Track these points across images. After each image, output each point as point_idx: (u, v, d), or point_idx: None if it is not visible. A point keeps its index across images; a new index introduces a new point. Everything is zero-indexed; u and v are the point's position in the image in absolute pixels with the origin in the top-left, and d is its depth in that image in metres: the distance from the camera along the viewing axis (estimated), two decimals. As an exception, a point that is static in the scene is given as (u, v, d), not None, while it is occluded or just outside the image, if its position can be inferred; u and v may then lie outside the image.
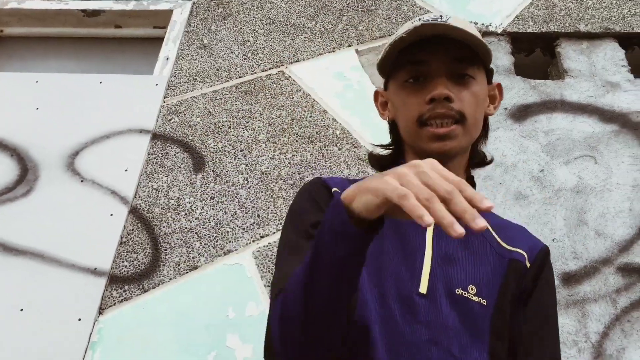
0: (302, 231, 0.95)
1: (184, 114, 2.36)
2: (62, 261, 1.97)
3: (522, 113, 2.30)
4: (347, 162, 2.17)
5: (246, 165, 2.18)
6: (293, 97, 2.38)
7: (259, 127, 2.29)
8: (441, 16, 0.98)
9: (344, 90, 2.40)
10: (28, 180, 2.18)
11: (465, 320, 0.92)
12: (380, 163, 1.14)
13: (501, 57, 2.48)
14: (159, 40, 2.72)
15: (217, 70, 2.50)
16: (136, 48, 2.83)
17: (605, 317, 1.81)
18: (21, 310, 1.87)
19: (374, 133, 2.24)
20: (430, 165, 0.67)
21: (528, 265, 1.00)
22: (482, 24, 2.57)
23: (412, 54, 0.99)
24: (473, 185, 1.08)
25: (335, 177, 1.10)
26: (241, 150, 2.23)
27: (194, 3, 2.78)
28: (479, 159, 1.13)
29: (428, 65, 0.98)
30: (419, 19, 0.99)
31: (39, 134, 2.30)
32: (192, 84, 2.46)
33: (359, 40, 2.57)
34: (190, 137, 2.28)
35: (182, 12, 2.73)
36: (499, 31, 2.55)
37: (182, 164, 2.21)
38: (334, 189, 1.03)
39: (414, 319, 0.90)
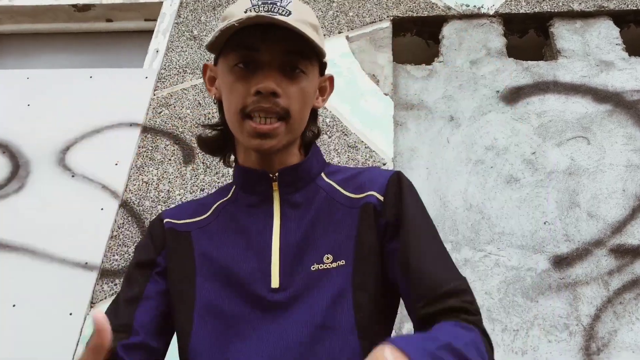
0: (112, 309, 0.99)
1: (174, 106, 2.35)
2: (53, 256, 1.98)
3: (514, 95, 2.27)
4: (337, 149, 2.16)
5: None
6: (283, 86, 2.36)
7: (248, 117, 2.28)
8: (281, 0, 0.94)
9: (334, 78, 2.37)
10: (20, 176, 2.19)
11: (328, 290, 0.91)
12: (208, 145, 1.09)
13: (493, 40, 2.44)
14: (150, 32, 2.71)
15: (207, 61, 2.48)
16: (127, 41, 2.82)
17: (597, 300, 1.80)
18: (14, 305, 1.88)
19: (364, 120, 2.23)
20: None
21: (382, 198, 0.98)
22: (474, 6, 2.54)
23: (245, 36, 0.93)
24: (302, 163, 1.03)
25: (182, 204, 1.09)
26: (231, 141, 2.22)
27: (183, -6, 2.76)
28: (309, 138, 1.08)
29: (260, 53, 0.93)
30: (258, 3, 0.93)
31: (31, 130, 2.31)
32: (182, 76, 2.45)
33: (349, 26, 2.54)
34: (181, 129, 2.28)
35: (172, 4, 2.71)
36: (491, 13, 2.52)
37: (172, 156, 2.21)
38: (165, 220, 1.03)
39: (268, 315, 0.90)
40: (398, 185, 1.00)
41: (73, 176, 2.16)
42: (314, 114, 1.07)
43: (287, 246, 0.95)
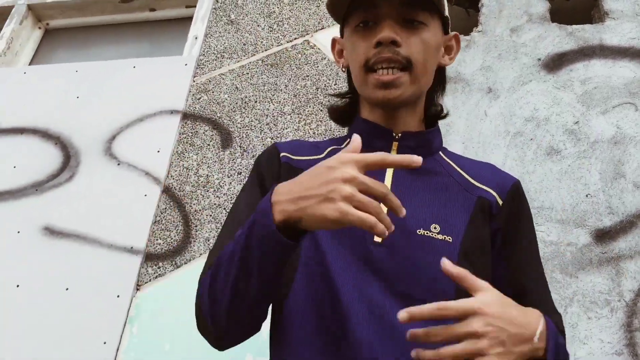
0: (241, 210, 0.98)
1: (213, 92, 2.40)
2: (102, 241, 2.08)
3: (556, 63, 2.17)
4: (371, 128, 2.14)
5: (272, 139, 2.20)
6: (318, 66, 2.36)
7: (284, 99, 2.30)
8: None
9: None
10: (71, 166, 2.30)
11: (430, 259, 0.90)
12: (336, 114, 1.12)
13: (535, 4, 2.34)
14: (191, 19, 2.76)
15: (244, 45, 2.51)
16: (170, 29, 2.88)
17: (642, 275, 1.72)
18: (67, 289, 2.00)
19: (399, 96, 2.20)
20: (353, 162, 0.74)
21: (500, 202, 0.99)
22: (515, -30, 2.43)
23: None
24: (427, 132, 1.04)
25: (294, 141, 1.10)
26: (267, 124, 2.25)
27: (221, -21, 2.79)
28: (434, 111, 1.09)
29: (377, 9, 0.96)
30: None
31: (80, 121, 2.42)
32: (220, 61, 2.49)
33: None
34: (219, 114, 2.32)
35: (210, -11, 2.75)
36: (534, -24, 2.40)
37: (210, 141, 2.26)
38: (282, 154, 1.04)
39: (370, 269, 0.90)
40: (519, 199, 1.02)
41: (119, 164, 2.25)
42: (440, 73, 1.08)
43: (397, 194, 0.95)
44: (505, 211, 0.98)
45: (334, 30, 2.45)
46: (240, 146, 2.21)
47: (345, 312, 0.87)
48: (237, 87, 2.39)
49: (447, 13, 1.04)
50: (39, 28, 3.02)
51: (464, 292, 0.89)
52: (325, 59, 2.37)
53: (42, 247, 2.11)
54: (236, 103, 2.34)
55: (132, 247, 2.04)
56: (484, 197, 0.98)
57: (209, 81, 2.44)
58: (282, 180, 0.98)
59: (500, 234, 0.97)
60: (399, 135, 1.01)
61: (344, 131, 2.12)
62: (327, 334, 0.88)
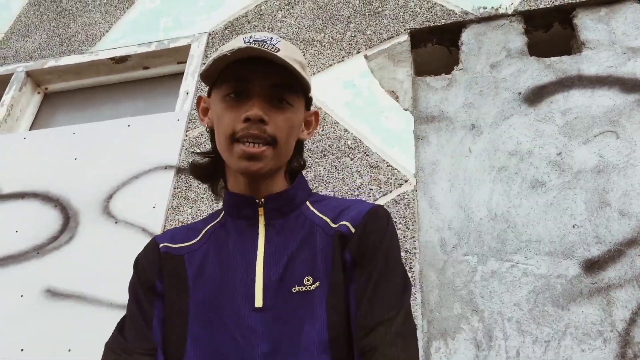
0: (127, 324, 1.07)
1: (205, 145, 2.46)
2: (102, 301, 2.12)
3: (536, 96, 2.21)
4: (359, 171, 2.19)
5: (263, 188, 2.25)
6: (305, 114, 2.42)
7: (273, 148, 2.35)
8: (272, 38, 1.02)
9: (354, 98, 2.41)
10: (70, 227, 2.36)
11: (307, 310, 0.98)
12: (198, 172, 1.17)
13: (513, 39, 2.39)
14: (182, 75, 2.85)
15: (233, 97, 2.58)
16: (162, 86, 2.97)
17: (632, 303, 1.72)
18: (69, 350, 2.04)
19: (385, 138, 2.25)
20: None
21: (353, 230, 1.04)
22: (492, 7, 2.49)
23: (236, 69, 1.02)
24: (288, 191, 1.11)
25: (171, 230, 1.16)
26: (258, 174, 2.29)
27: (209, 34, 2.88)
28: (295, 168, 1.17)
29: (250, 84, 1.02)
30: (250, 37, 1.02)
31: (78, 182, 2.49)
32: (211, 115, 2.56)
33: (367, 45, 2.57)
34: (211, 167, 2.38)
35: (199, 45, 2.84)
36: (510, 12, 2.47)
37: (204, 194, 2.31)
38: (161, 245, 1.10)
39: (254, 334, 0.96)
40: (373, 221, 1.07)
41: (116, 222, 2.31)
42: (299, 146, 1.16)
43: (270, 268, 1.01)
44: (357, 235, 1.03)
45: (319, 78, 2.52)
46: (233, 197, 2.26)
47: None
48: (228, 139, 2.45)
49: (311, 93, 1.11)
50: (38, 93, 3.12)
51: (334, 329, 0.97)
52: (314, 106, 2.43)
53: (44, 309, 2.15)
54: (228, 155, 2.39)
55: (131, 305, 2.07)
56: (339, 232, 1.04)
57: (201, 135, 2.50)
58: (165, 271, 1.06)
59: (356, 259, 1.02)
60: (262, 200, 1.07)
61: (334, 175, 2.15)
62: None
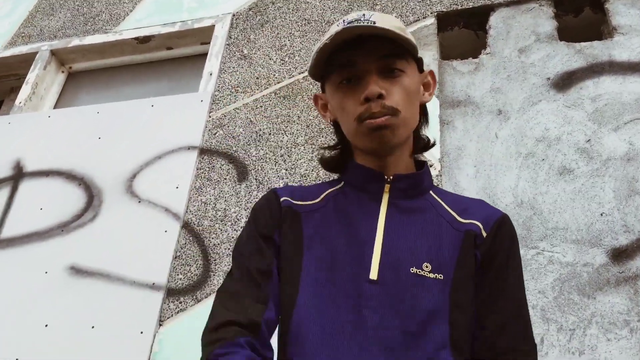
0: (242, 277, 1.02)
1: (228, 126, 2.46)
2: (125, 279, 2.14)
3: (565, 81, 2.17)
4: (383, 155, 2.17)
5: (286, 170, 2.24)
6: (329, 96, 2.40)
7: (297, 130, 2.34)
8: (364, 15, 1.01)
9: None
10: (94, 206, 2.37)
11: (423, 297, 0.96)
12: (330, 165, 1.17)
13: (543, 24, 2.35)
14: (206, 56, 2.84)
15: (257, 78, 2.57)
16: (186, 66, 2.97)
17: (661, 293, 1.70)
18: (92, 327, 2.06)
19: (409, 122, 2.22)
20: None
21: (484, 234, 1.03)
22: (521, -10, 2.44)
23: (340, 57, 1.03)
24: (421, 168, 1.12)
25: (290, 186, 1.15)
26: (281, 156, 2.29)
27: (233, 15, 2.86)
28: (422, 144, 1.15)
29: (357, 66, 1.02)
30: (343, 22, 1.02)
31: (102, 161, 2.50)
32: (235, 96, 2.55)
33: (393, 28, 2.53)
34: (234, 148, 2.38)
35: (223, 26, 2.82)
36: (540, -5, 2.42)
37: (227, 175, 2.31)
38: (282, 198, 1.09)
39: (364, 304, 0.95)
40: (505, 231, 1.06)
41: (139, 202, 2.32)
42: (423, 109, 1.15)
43: (389, 243, 1.00)
44: (489, 241, 1.02)
45: (344, 60, 2.49)
46: (255, 179, 2.26)
47: (347, 335, 0.93)
48: (251, 121, 2.44)
49: (419, 54, 1.09)
50: (62, 72, 3.14)
51: (456, 328, 0.95)
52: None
53: (68, 286, 2.17)
54: (251, 136, 2.39)
55: (154, 284, 2.09)
56: (470, 230, 1.03)
57: (224, 116, 2.50)
58: (285, 224, 1.05)
59: (484, 263, 1.01)
60: (391, 177, 1.06)
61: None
62: (334, 347, 0.93)
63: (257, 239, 1.06)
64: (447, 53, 2.56)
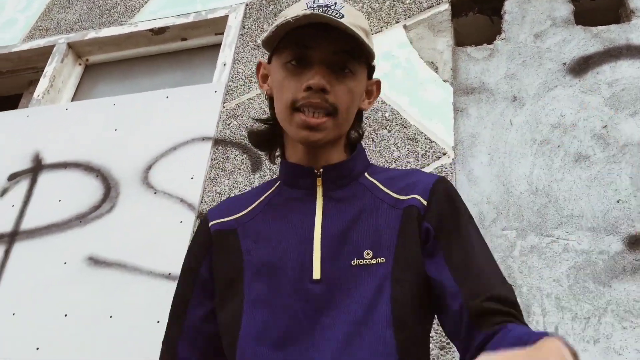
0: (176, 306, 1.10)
1: (242, 117, 2.46)
2: (141, 269, 2.16)
3: (582, 66, 2.14)
4: (396, 144, 2.16)
5: (299, 160, 2.24)
6: (342, 85, 2.39)
7: (310, 119, 2.34)
8: (336, 3, 0.99)
9: (392, 69, 2.37)
10: (111, 197, 2.40)
11: (366, 284, 0.95)
12: (258, 139, 1.15)
13: (559, 8, 2.31)
14: (220, 46, 2.84)
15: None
16: (200, 57, 2.98)
17: (678, 281, 1.67)
18: (110, 317, 2.09)
19: (423, 110, 2.21)
20: None
21: (425, 203, 1.01)
22: (537, -26, 2.40)
23: (299, 36, 0.99)
24: (347, 162, 1.09)
25: (225, 201, 1.15)
26: (294, 145, 2.29)
27: (246, 5, 2.86)
28: (354, 138, 1.14)
29: (312, 51, 0.99)
30: (313, 2, 0.98)
31: (118, 153, 2.53)
32: (248, 86, 2.55)
33: (406, 14, 2.51)
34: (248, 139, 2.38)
35: (236, 16, 2.82)
36: (556, -21, 2.37)
37: (241, 165, 2.32)
38: (211, 223, 1.09)
39: (311, 306, 0.95)
40: (444, 193, 1.04)
41: (155, 193, 2.34)
42: (359, 115, 1.13)
43: (328, 239, 0.99)
44: (432, 208, 1.01)
45: (357, 48, 2.48)
46: (269, 169, 2.27)
47: (297, 346, 0.93)
48: (265, 111, 2.44)
49: (374, 62, 1.07)
50: (79, 64, 3.17)
51: (397, 303, 0.94)
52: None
53: (87, 276, 2.21)
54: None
55: (170, 274, 2.12)
56: (409, 206, 1.01)
57: (238, 106, 2.51)
58: (216, 250, 1.06)
59: (431, 230, 0.99)
60: (320, 170, 1.05)
61: (370, 147, 2.14)
62: None
63: (184, 274, 1.11)
64: (461, 39, 2.53)
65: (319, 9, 0.97)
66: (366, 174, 1.09)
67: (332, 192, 1.04)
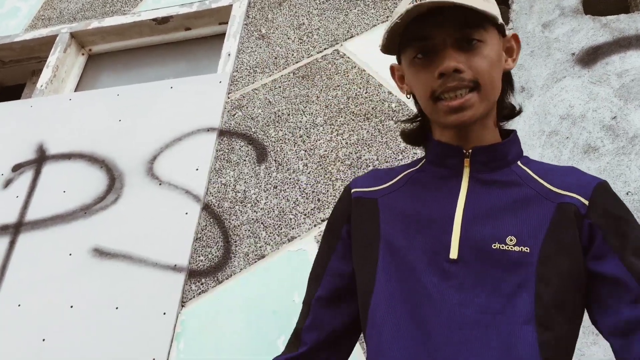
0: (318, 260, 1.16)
1: (247, 107, 2.45)
2: (147, 260, 2.16)
3: (591, 57, 2.11)
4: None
5: (305, 151, 2.23)
6: (348, 75, 2.37)
7: (316, 110, 2.33)
8: None
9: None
10: (116, 188, 2.39)
11: (506, 272, 0.92)
12: (410, 137, 1.16)
13: (567, -3, 2.28)
14: (224, 36, 2.82)
15: (275, 58, 2.55)
16: (204, 47, 2.95)
17: (688, 274, 1.66)
18: (116, 308, 2.09)
19: (430, 101, 2.19)
20: None
21: (587, 202, 0.97)
22: (545, -37, 2.37)
23: (413, 30, 0.98)
24: (506, 137, 1.08)
25: (371, 172, 1.17)
26: (300, 137, 2.28)
27: (251, -6, 2.84)
28: (507, 112, 1.11)
29: (432, 40, 0.97)
30: None
31: (123, 144, 2.51)
32: (253, 76, 2.54)
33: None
34: (253, 129, 2.37)
35: (241, 6, 2.80)
36: (565, -32, 2.34)
37: (246, 156, 2.31)
38: (353, 190, 1.13)
39: (444, 284, 0.93)
40: (608, 194, 0.99)
41: (160, 184, 2.33)
42: (507, 77, 1.10)
43: (469, 220, 0.97)
44: (597, 206, 0.96)
45: (363, 38, 2.46)
46: (275, 160, 2.25)
47: (425, 318, 0.93)
48: (270, 101, 2.43)
49: (500, 20, 1.02)
50: (82, 54, 3.15)
51: (541, 301, 0.90)
52: (355, 67, 2.38)
53: (92, 268, 2.20)
54: (270, 117, 2.38)
55: (175, 265, 2.11)
56: (565, 203, 0.97)
57: (243, 97, 2.49)
58: (355, 216, 1.09)
59: (598, 228, 0.95)
60: (470, 151, 1.03)
61: (377, 138, 2.13)
62: (410, 338, 0.93)
63: (328, 232, 1.15)
64: (468, 29, 2.50)
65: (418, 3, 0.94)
66: (519, 163, 1.05)
67: (480, 175, 1.02)
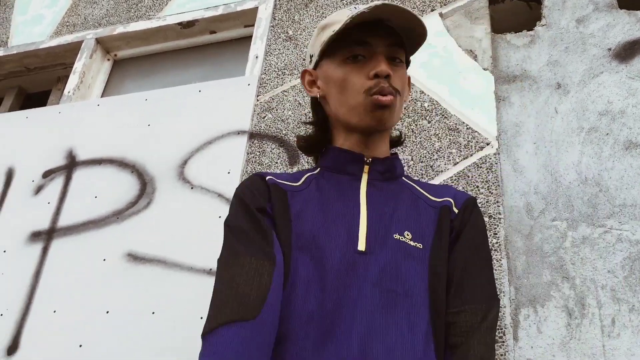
0: (245, 229, 1.08)
1: (277, 110, 2.43)
2: (182, 265, 2.15)
3: (628, 52, 2.08)
4: (437, 134, 2.12)
5: (338, 152, 2.21)
6: (379, 75, 2.35)
7: (347, 111, 2.31)
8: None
9: (430, 59, 2.33)
10: (147, 193, 2.39)
11: (407, 262, 1.04)
12: (307, 143, 1.26)
13: (601, -9, 2.25)
14: (251, 39, 2.81)
15: (304, 60, 2.54)
16: (230, 50, 2.95)
17: None
18: (153, 313, 2.08)
19: (464, 99, 2.16)
20: None
21: (456, 210, 1.14)
22: (577, -43, 2.34)
23: (357, 35, 1.13)
24: (392, 159, 1.22)
25: (272, 172, 1.22)
26: (332, 138, 2.26)
27: (276, -4, 2.82)
28: (396, 137, 1.31)
29: (370, 46, 1.13)
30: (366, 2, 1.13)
31: (153, 148, 2.51)
32: (282, 78, 2.52)
33: (442, 2, 2.47)
34: (284, 132, 2.36)
35: (267, 8, 2.79)
36: (597, -38, 2.31)
37: (278, 159, 2.29)
38: (267, 177, 1.15)
39: (356, 274, 1.01)
40: (474, 210, 1.17)
41: (192, 188, 2.32)
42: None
43: (372, 215, 1.08)
44: (459, 217, 1.13)
45: (393, 38, 2.43)
46: (308, 162, 2.24)
47: (335, 309, 0.98)
48: (299, 103, 2.41)
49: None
50: (108, 60, 3.15)
51: (435, 294, 1.04)
52: (385, 67, 2.36)
53: (127, 273, 2.20)
54: (300, 119, 2.36)
55: (210, 269, 2.10)
56: (444, 205, 1.15)
57: (272, 99, 2.48)
58: (273, 199, 1.10)
59: (456, 232, 1.12)
60: (369, 160, 1.16)
61: (410, 138, 2.10)
62: (318, 329, 0.97)
63: (252, 213, 1.07)
64: (498, 27, 2.47)
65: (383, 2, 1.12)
66: (404, 178, 1.22)
67: (376, 182, 1.15)
